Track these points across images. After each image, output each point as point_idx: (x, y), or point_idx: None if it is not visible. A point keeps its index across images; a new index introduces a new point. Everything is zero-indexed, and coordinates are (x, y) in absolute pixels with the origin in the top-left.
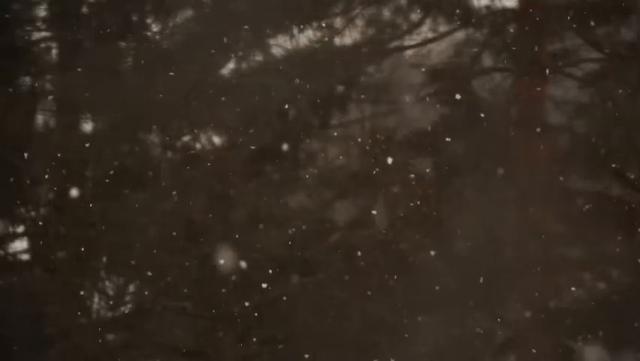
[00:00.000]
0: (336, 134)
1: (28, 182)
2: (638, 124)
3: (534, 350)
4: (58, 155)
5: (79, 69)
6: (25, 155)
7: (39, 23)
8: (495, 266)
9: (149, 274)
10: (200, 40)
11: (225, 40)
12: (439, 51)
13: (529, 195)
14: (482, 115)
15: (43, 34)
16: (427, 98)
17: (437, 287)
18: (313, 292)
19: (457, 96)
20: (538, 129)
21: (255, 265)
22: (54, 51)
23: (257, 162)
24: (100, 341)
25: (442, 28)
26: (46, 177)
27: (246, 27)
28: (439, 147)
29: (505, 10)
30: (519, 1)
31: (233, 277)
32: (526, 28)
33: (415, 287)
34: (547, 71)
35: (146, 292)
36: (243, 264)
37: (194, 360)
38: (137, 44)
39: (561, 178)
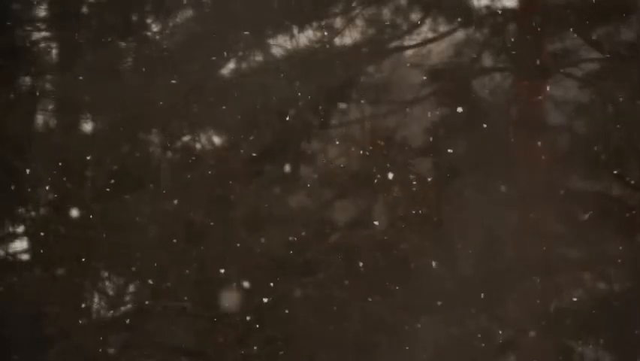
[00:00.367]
0: (336, 134)
1: (28, 182)
2: (638, 124)
3: (534, 350)
4: (58, 155)
5: (79, 69)
6: (25, 155)
7: (39, 23)
8: (495, 267)
9: (149, 274)
10: (200, 40)
11: (225, 40)
12: (439, 51)
13: (529, 195)
14: (482, 115)
15: (43, 34)
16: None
17: (437, 287)
18: (313, 292)
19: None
20: (538, 129)
21: (255, 265)
22: (54, 51)
23: (257, 162)
24: (100, 341)
25: (442, 28)
26: (46, 177)
27: (246, 27)
28: (439, 147)
29: (505, 10)
30: (519, 1)
31: (233, 277)
32: (526, 28)
33: (415, 287)
34: (547, 71)
35: (146, 292)
36: (243, 264)
37: (194, 360)
38: (137, 44)
39: (561, 178)
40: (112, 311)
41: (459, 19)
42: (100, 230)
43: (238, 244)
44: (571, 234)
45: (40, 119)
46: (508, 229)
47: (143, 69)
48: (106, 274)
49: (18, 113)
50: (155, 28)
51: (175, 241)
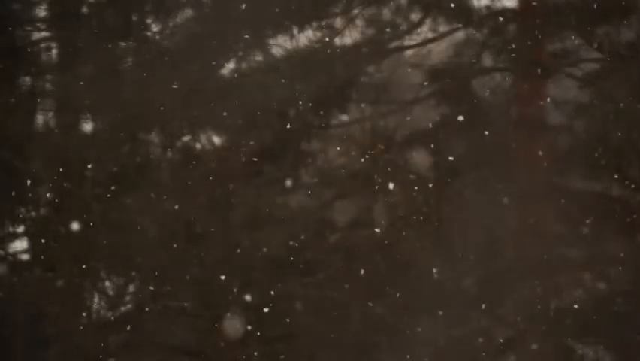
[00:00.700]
0: (336, 134)
1: (28, 182)
2: (638, 124)
3: (534, 350)
4: (58, 155)
5: (79, 69)
6: (25, 155)
7: (39, 23)
8: (495, 267)
9: (149, 274)
10: (200, 40)
11: (225, 40)
12: (439, 51)
13: (529, 195)
14: (482, 115)
15: (43, 34)
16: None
17: (437, 287)
18: (313, 292)
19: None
20: (538, 129)
21: (255, 265)
22: (54, 51)
23: (257, 162)
24: (100, 341)
25: (442, 28)
26: (46, 177)
27: (246, 27)
28: (439, 147)
29: (505, 10)
30: (519, 1)
31: (233, 277)
32: (526, 28)
33: (415, 287)
34: (547, 71)
35: (146, 292)
36: (243, 264)
37: (194, 360)
38: (137, 44)
39: (561, 178)
40: (112, 311)
41: (459, 19)
42: (100, 230)
43: (238, 244)
44: (571, 234)
45: (40, 119)
46: (508, 229)
47: (143, 69)
48: (106, 275)
49: (18, 113)
50: (155, 28)
51: (175, 241)
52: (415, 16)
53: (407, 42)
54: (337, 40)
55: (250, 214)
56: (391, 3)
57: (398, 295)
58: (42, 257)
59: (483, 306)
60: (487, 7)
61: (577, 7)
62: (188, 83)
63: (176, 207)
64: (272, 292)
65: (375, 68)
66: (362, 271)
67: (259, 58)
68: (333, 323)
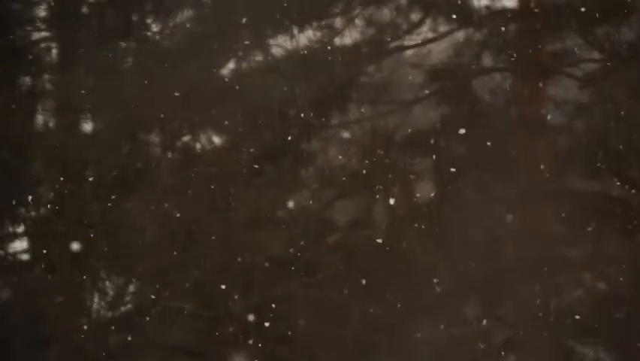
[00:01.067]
0: (335, 134)
1: (28, 182)
2: (638, 124)
3: (534, 350)
4: (58, 155)
5: (79, 69)
6: (25, 155)
7: (39, 23)
8: (495, 267)
9: (149, 274)
10: (200, 40)
11: (225, 40)
12: (439, 51)
13: (529, 195)
14: (482, 115)
15: (43, 34)
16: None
17: (437, 287)
18: (313, 292)
19: (457, 96)
20: (538, 129)
21: (255, 265)
22: (54, 51)
23: (257, 162)
24: (100, 341)
25: (442, 28)
26: (46, 177)
27: (246, 27)
28: (439, 147)
29: (505, 10)
30: (519, 1)
31: (233, 278)
32: (526, 28)
33: (415, 287)
34: (547, 71)
35: (145, 293)
36: (243, 264)
37: (194, 360)
38: (137, 44)
39: (561, 178)
40: (112, 311)
41: (459, 19)
42: (100, 230)
43: (238, 244)
44: (571, 234)
45: (40, 119)
46: (508, 229)
47: (143, 69)
48: (106, 275)
49: (18, 113)
50: (155, 28)
51: (175, 241)
52: (415, 16)
53: (407, 42)
54: (337, 40)
55: (250, 214)
56: (391, 3)
57: (398, 295)
58: (42, 257)
59: (483, 306)
60: (487, 7)
61: (577, 7)
62: (188, 83)
63: (176, 207)
64: (272, 293)
65: (375, 68)
66: (362, 272)
67: (259, 58)
68: (333, 323)
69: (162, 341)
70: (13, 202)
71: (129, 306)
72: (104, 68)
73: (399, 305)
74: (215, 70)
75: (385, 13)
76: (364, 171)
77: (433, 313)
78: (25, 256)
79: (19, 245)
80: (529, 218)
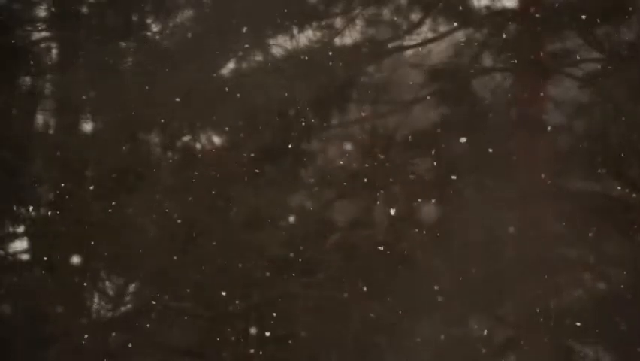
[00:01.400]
0: (336, 134)
1: (28, 182)
2: (638, 124)
3: (534, 350)
4: (58, 155)
5: (79, 69)
6: (25, 155)
7: (39, 23)
8: (495, 266)
9: (149, 274)
10: (200, 40)
11: (225, 40)
12: (439, 51)
13: (529, 195)
14: (482, 115)
15: (43, 34)
16: (427, 98)
17: (437, 287)
18: (313, 292)
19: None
20: (538, 129)
21: (255, 265)
22: (54, 51)
23: (257, 162)
24: (100, 341)
25: (442, 28)
26: (46, 177)
27: (246, 27)
28: (439, 147)
29: (505, 10)
30: (519, 1)
31: (233, 278)
32: (526, 28)
33: (415, 287)
34: (547, 71)
35: (146, 293)
36: (243, 264)
37: (194, 360)
38: (137, 44)
39: (561, 178)
40: (112, 311)
41: (459, 19)
42: (100, 230)
43: (238, 244)
44: (571, 234)
45: (40, 119)
46: (508, 229)
47: (143, 69)
48: (106, 275)
49: (18, 113)
50: (155, 28)
51: (175, 240)
52: (415, 16)
53: (407, 42)
54: (337, 40)
55: (250, 214)
56: (391, 3)
57: (398, 295)
58: (42, 257)
59: (483, 306)
60: (487, 7)
61: (577, 7)
62: (188, 83)
63: (176, 206)
64: (272, 293)
65: (375, 68)
66: (362, 272)
67: (259, 58)
68: (333, 323)
69: (162, 341)
70: (13, 202)
71: (129, 306)
72: (104, 68)
73: (399, 305)
74: (215, 70)
75: (385, 13)
76: (364, 172)
77: (433, 314)
78: (25, 256)
79: (19, 245)
80: (529, 218)
